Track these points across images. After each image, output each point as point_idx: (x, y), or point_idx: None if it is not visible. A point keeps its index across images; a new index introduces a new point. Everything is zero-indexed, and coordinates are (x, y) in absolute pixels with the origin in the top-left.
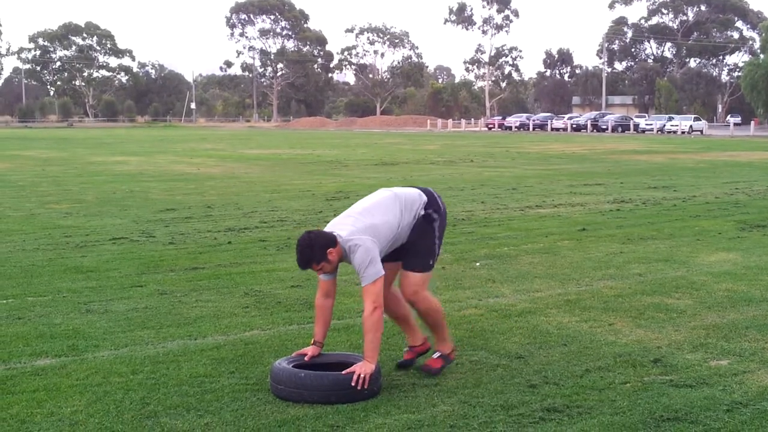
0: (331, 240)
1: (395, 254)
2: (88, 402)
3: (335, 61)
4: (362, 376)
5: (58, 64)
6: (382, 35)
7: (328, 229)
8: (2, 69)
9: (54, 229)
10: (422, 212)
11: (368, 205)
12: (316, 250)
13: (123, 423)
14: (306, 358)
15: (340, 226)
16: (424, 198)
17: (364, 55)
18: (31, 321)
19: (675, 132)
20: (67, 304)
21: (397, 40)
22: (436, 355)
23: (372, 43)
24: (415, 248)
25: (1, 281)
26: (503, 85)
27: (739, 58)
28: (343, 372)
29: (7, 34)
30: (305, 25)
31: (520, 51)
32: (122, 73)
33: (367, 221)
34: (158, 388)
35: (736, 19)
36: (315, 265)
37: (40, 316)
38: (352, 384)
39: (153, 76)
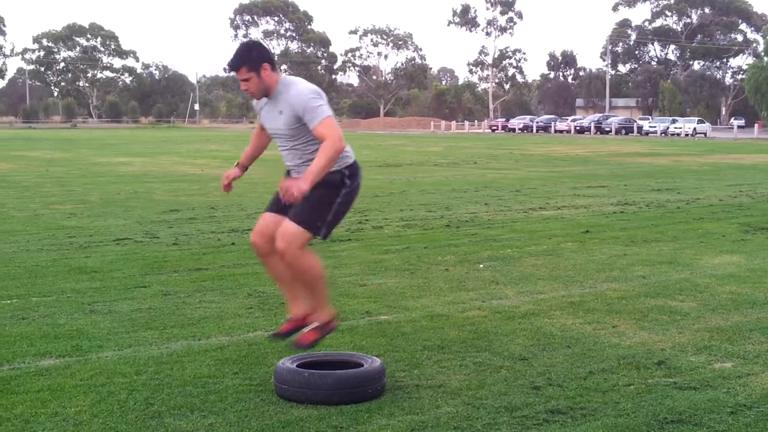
0: (273, 60)
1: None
2: (92, 402)
3: (339, 63)
4: (289, 186)
5: (62, 64)
6: (385, 37)
7: None
8: (6, 70)
9: (58, 229)
10: (342, 168)
11: None
12: (254, 54)
13: (127, 423)
14: (225, 179)
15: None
16: (352, 160)
17: (368, 56)
18: (35, 321)
19: (679, 134)
20: (71, 305)
21: (400, 42)
22: (312, 326)
23: (376, 44)
24: (309, 199)
25: (6, 281)
26: (507, 87)
27: (743, 61)
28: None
29: (12, 34)
30: (309, 27)
31: (524, 53)
32: (126, 74)
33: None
34: (162, 388)
35: (740, 21)
36: (245, 71)
37: (44, 317)
38: (282, 194)
39: (157, 77)
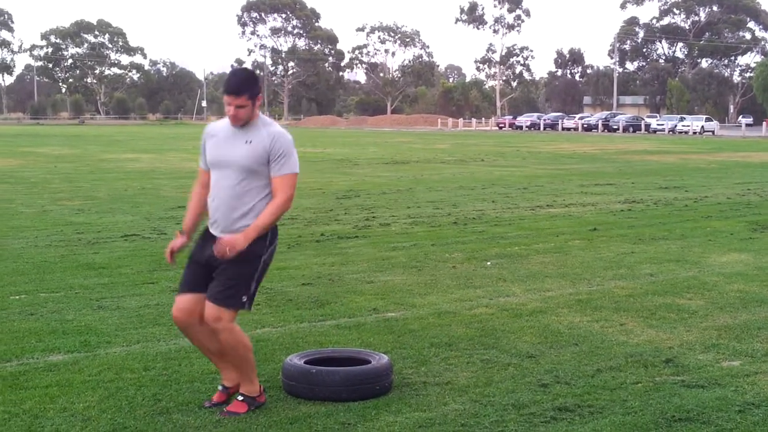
0: (260, 96)
1: (202, 272)
2: (100, 398)
3: (346, 60)
4: (227, 242)
5: (70, 61)
6: (393, 34)
7: None
8: (14, 66)
9: (66, 225)
10: (269, 233)
11: None
12: (253, 83)
13: (135, 419)
14: (170, 251)
15: None
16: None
17: (375, 53)
18: (43, 317)
19: (686, 132)
20: (79, 301)
21: (408, 39)
22: (240, 398)
23: (383, 41)
24: (229, 274)
25: (14, 277)
26: (514, 84)
27: (751, 59)
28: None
29: (20, 31)
30: (316, 24)
31: (531, 51)
32: (134, 71)
33: None
34: (170, 384)
35: (748, 19)
36: (243, 95)
37: (53, 312)
38: (214, 253)
39: (164, 74)
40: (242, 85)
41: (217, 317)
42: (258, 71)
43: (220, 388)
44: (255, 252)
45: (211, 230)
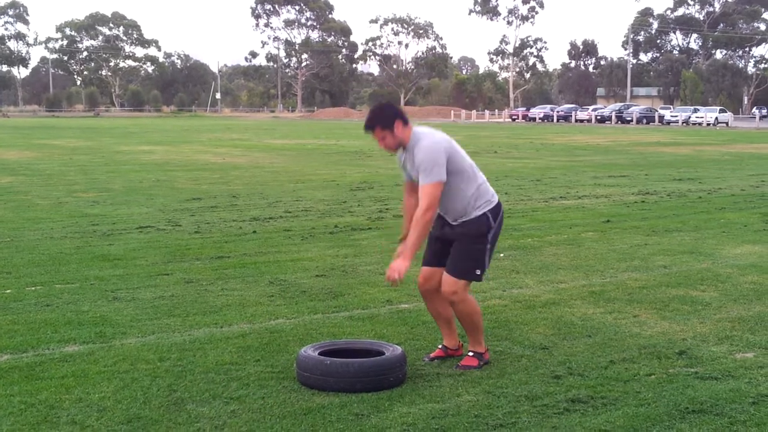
0: (404, 117)
1: (441, 248)
2: (115, 388)
3: (359, 52)
4: (395, 269)
5: (85, 54)
6: (406, 26)
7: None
8: (30, 59)
9: (81, 217)
10: (488, 210)
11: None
12: (387, 115)
13: (150, 410)
14: (400, 275)
15: (425, 127)
16: (495, 200)
17: (389, 45)
18: (59, 308)
19: (700, 124)
20: (94, 292)
21: (421, 31)
22: (471, 353)
23: (396, 33)
24: (463, 251)
25: (30, 268)
26: (527, 76)
27: (765, 50)
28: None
29: (35, 23)
30: (330, 16)
31: (545, 42)
32: (148, 63)
33: (452, 142)
34: (185, 375)
35: (762, 10)
36: (379, 131)
37: (68, 304)
38: (385, 281)
39: (179, 66)
40: (372, 120)
41: (453, 291)
42: (273, 64)
43: (440, 346)
44: (480, 229)
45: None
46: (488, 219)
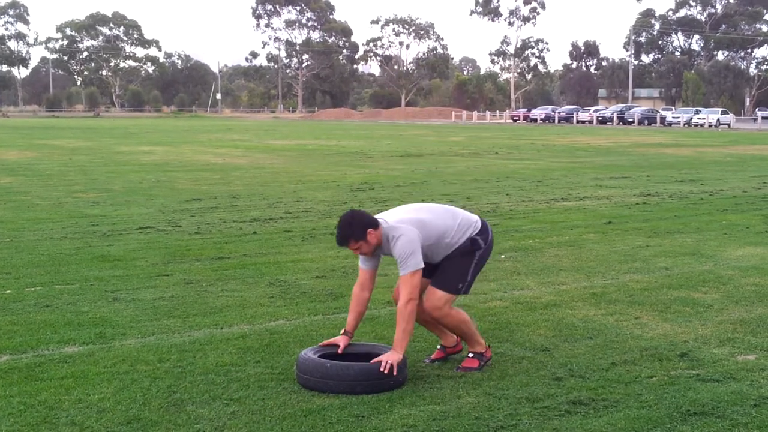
0: (373, 222)
1: (429, 269)
2: (115, 389)
3: (360, 53)
4: (389, 363)
5: (85, 54)
6: (407, 26)
7: (377, 216)
8: (30, 59)
9: (81, 217)
10: (473, 236)
11: (421, 206)
12: (356, 227)
13: (150, 411)
14: (339, 350)
15: (388, 214)
16: (479, 225)
17: (390, 46)
18: (59, 309)
19: (702, 125)
20: (94, 293)
21: (422, 32)
22: (471, 354)
23: (397, 34)
24: (449, 266)
25: (30, 269)
26: (529, 77)
27: (767, 51)
28: (371, 361)
29: (35, 23)
30: (331, 16)
31: (547, 43)
32: (148, 64)
33: (418, 216)
34: (185, 376)
35: (765, 11)
36: (353, 243)
37: (68, 304)
38: (380, 369)
39: (179, 67)
40: (343, 237)
41: (437, 307)
42: (273, 64)
43: (438, 347)
44: (467, 248)
45: None
46: (477, 241)
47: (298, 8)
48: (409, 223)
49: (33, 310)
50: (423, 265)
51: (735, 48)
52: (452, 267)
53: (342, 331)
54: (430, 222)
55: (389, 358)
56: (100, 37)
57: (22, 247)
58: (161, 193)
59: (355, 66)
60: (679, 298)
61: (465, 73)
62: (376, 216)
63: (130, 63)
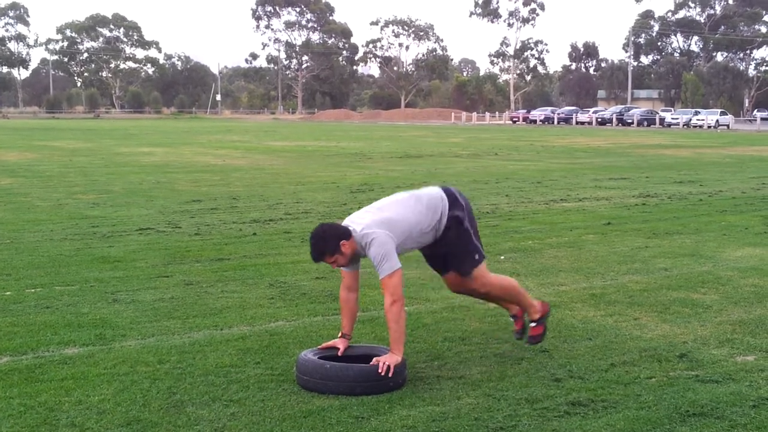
0: (345, 233)
1: (439, 261)
2: (115, 391)
3: (360, 54)
4: (387, 365)
5: (86, 55)
6: (407, 28)
7: (345, 223)
8: (30, 60)
9: (81, 219)
10: (449, 214)
11: (386, 203)
12: (330, 242)
13: (150, 412)
14: (339, 353)
15: (356, 220)
16: (446, 199)
17: (389, 47)
18: (59, 310)
19: (701, 126)
20: (94, 294)
21: (422, 33)
22: (533, 324)
23: (397, 35)
24: (452, 250)
25: (30, 270)
26: (528, 78)
27: (766, 53)
28: (371, 363)
29: (35, 25)
30: (330, 18)
31: (546, 44)
32: (149, 65)
33: (384, 215)
34: (185, 377)
35: (764, 12)
36: (328, 257)
37: (68, 306)
38: (379, 371)
39: (179, 68)
40: (317, 253)
41: (476, 287)
42: (273, 66)
43: (511, 319)
44: (452, 223)
45: None
46: (457, 216)
47: (297, 10)
48: (377, 225)
49: (33, 312)
50: (399, 266)
51: (734, 49)
52: (457, 249)
53: (339, 335)
54: (398, 217)
55: (387, 360)
56: (100, 39)
57: (22, 249)
58: (161, 195)
59: (354, 67)
60: (678, 299)
61: (464, 74)
62: (344, 223)
63: (130, 64)
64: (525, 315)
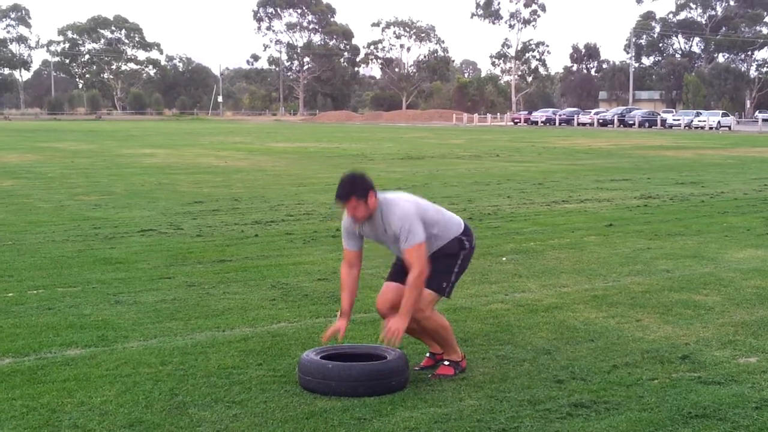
0: (374, 187)
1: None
2: (117, 392)
3: (361, 55)
4: (394, 329)
5: (87, 57)
6: (408, 29)
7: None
8: (32, 62)
9: (83, 220)
10: (458, 237)
11: (418, 197)
12: (360, 186)
13: (152, 413)
14: (340, 335)
15: (388, 192)
16: (463, 225)
17: (390, 49)
18: (61, 311)
19: (703, 127)
20: (96, 295)
21: (423, 34)
22: (447, 362)
23: (398, 37)
24: (433, 266)
25: (32, 272)
26: (529, 79)
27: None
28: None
29: (37, 27)
30: (332, 19)
31: (547, 45)
32: (150, 66)
33: (412, 198)
34: (187, 379)
35: (765, 14)
36: (354, 200)
37: (70, 307)
38: (385, 336)
39: (180, 70)
40: (348, 190)
41: (419, 308)
42: (275, 67)
43: (428, 354)
44: (454, 249)
45: None
46: (462, 241)
47: (299, 11)
48: (405, 200)
49: (35, 313)
50: (424, 238)
51: (735, 50)
52: (436, 266)
53: (338, 314)
54: (425, 206)
55: (395, 324)
56: (102, 40)
57: (24, 250)
58: (163, 196)
59: (356, 69)
60: (680, 300)
61: (466, 75)
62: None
63: (132, 66)
64: (439, 360)
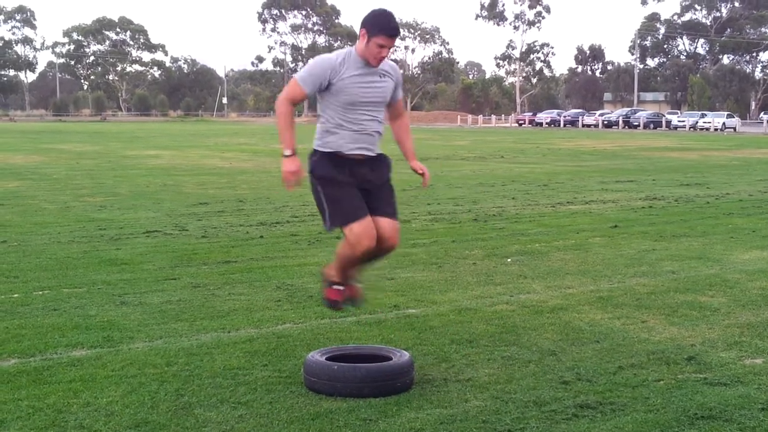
0: None
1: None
2: (123, 393)
3: None
4: (426, 170)
5: (92, 58)
6: (412, 31)
7: None
8: (37, 63)
9: (89, 221)
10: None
11: None
12: None
13: (158, 414)
14: (295, 175)
15: None
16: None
17: (395, 50)
18: (66, 312)
19: (708, 129)
20: (101, 296)
21: (427, 36)
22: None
23: (403, 38)
24: (390, 194)
25: (38, 273)
26: (534, 81)
27: None
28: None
29: (42, 28)
30: (336, 21)
31: (552, 47)
32: (155, 68)
33: None
34: (192, 379)
35: None
36: (398, 37)
37: (76, 308)
38: (425, 184)
39: (185, 71)
40: (399, 27)
41: (397, 234)
42: (279, 69)
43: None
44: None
45: (361, 153)
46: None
47: (303, 13)
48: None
49: (41, 314)
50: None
51: (740, 52)
52: (393, 193)
53: (289, 154)
54: None
55: (423, 165)
56: (107, 42)
57: (30, 251)
58: (168, 197)
59: None
60: (685, 301)
61: (470, 77)
62: None
63: (137, 67)
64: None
